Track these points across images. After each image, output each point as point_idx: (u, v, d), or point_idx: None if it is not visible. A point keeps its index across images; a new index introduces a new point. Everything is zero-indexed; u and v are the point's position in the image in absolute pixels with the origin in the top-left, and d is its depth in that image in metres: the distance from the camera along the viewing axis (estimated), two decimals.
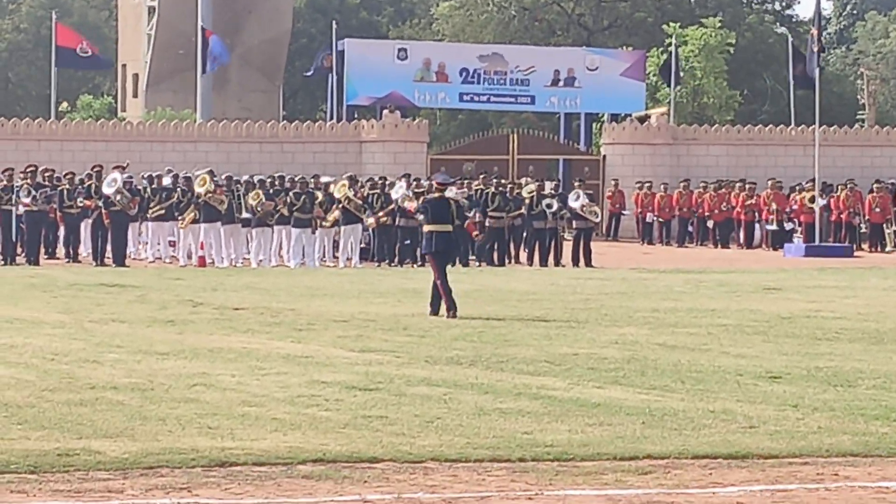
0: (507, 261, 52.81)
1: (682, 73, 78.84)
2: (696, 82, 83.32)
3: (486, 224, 51.74)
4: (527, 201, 53.13)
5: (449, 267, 33.96)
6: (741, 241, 64.68)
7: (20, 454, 15.27)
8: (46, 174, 52.93)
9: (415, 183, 54.34)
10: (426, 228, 33.98)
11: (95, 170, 53.20)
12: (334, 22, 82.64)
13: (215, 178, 51.73)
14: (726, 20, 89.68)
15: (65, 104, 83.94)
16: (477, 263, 51.81)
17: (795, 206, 62.91)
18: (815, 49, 61.23)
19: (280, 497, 13.58)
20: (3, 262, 49.86)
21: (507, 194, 53.57)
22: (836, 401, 19.15)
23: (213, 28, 76.56)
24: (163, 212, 52.39)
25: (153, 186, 53.41)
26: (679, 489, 14.03)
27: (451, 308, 31.36)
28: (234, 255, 51.19)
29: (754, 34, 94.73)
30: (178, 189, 52.71)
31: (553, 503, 13.40)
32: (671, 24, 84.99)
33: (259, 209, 50.73)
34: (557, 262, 52.23)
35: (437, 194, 34.71)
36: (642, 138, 71.75)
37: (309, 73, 77.65)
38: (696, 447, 15.97)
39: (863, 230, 63.05)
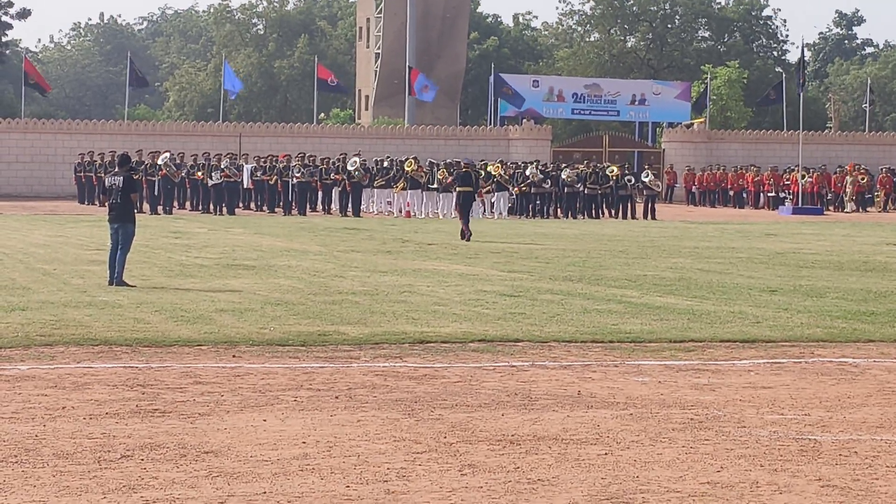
0: (601, 215, 52.60)
1: (713, 97, 78.27)
2: (722, 102, 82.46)
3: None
4: (614, 178, 52.91)
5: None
6: (751, 204, 64.23)
7: (295, 334, 15.38)
8: (310, 158, 53.26)
9: (543, 165, 54.26)
10: (457, 189, 36.16)
11: (341, 155, 53.59)
12: (493, 63, 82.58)
13: (417, 161, 52.06)
14: (742, 63, 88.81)
15: (322, 115, 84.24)
16: (582, 217, 51.69)
17: (788, 182, 62.48)
18: (801, 81, 60.94)
19: (458, 363, 13.58)
20: (283, 214, 50.29)
21: (601, 173, 53.31)
22: (812, 306, 18.94)
23: (415, 66, 76.64)
24: (383, 182, 52.59)
25: (377, 166, 53.64)
26: (711, 361, 13.91)
27: (468, 236, 33.91)
28: (428, 211, 51.30)
29: (760, 72, 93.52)
30: (394, 168, 52.89)
31: (631, 369, 13.32)
32: (707, 65, 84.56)
33: (444, 181, 50.75)
34: (633, 217, 51.96)
35: (464, 169, 36.63)
36: (688, 138, 71.38)
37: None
38: (722, 335, 15.83)
39: (828, 198, 62.53)
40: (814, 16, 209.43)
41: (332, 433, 9.94)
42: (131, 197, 21.21)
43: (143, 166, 49.71)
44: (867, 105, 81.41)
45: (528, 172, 52.19)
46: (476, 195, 39.84)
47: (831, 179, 62.91)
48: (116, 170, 21.83)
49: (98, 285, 20.44)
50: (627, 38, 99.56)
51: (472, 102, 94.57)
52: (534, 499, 8.09)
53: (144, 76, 73.93)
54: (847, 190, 61.98)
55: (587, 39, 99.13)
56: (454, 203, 38.33)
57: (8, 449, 9.28)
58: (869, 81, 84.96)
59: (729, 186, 65.34)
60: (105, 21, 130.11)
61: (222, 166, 50.71)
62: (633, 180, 53.28)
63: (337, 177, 51.24)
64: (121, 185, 21.07)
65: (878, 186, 63.78)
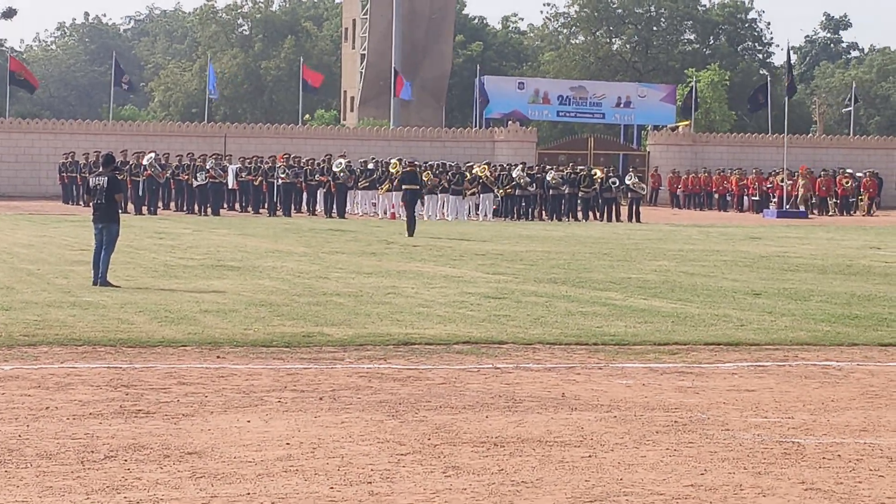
0: (585, 218, 52.58)
1: (698, 100, 78.45)
2: (707, 105, 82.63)
3: (578, 195, 52.12)
4: (599, 180, 52.97)
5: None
6: (735, 207, 64.35)
7: (279, 335, 15.37)
8: (295, 159, 53.20)
9: (528, 167, 54.23)
10: (403, 187, 37.37)
11: (326, 156, 53.52)
12: (478, 65, 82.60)
13: (402, 162, 52.00)
14: (726, 65, 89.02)
15: (307, 116, 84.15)
16: (567, 220, 51.66)
17: (771, 185, 62.55)
18: (788, 85, 61.18)
19: (442, 365, 13.57)
20: (268, 215, 50.20)
21: (588, 176, 53.33)
22: (796, 309, 18.96)
23: (401, 67, 76.58)
24: (368, 184, 52.55)
25: (362, 167, 53.59)
26: (694, 364, 13.92)
27: (411, 233, 36.00)
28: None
29: (744, 74, 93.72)
30: (379, 169, 52.86)
31: (615, 371, 13.33)
32: (691, 68, 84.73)
33: (429, 183, 50.69)
34: (618, 219, 51.98)
35: (409, 168, 38.08)
36: (673, 141, 71.54)
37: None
38: (706, 338, 15.85)
39: (813, 201, 62.57)
40: (801, 19, 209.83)
41: (316, 434, 9.93)
42: (116, 197, 21.17)
43: (127, 167, 49.61)
44: (844, 109, 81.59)
45: (514, 174, 52.19)
46: (423, 193, 40.86)
47: (816, 183, 62.94)
48: (101, 170, 21.79)
49: (82, 285, 20.40)
50: (613, 40, 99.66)
51: (457, 104, 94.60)
52: (517, 501, 8.09)
53: (130, 81, 73.67)
54: (800, 193, 61.78)
55: (572, 42, 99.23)
56: (401, 198, 39.82)
57: None
58: (854, 85, 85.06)
59: (714, 189, 65.47)
60: (90, 21, 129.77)
61: (207, 167, 50.64)
62: (617, 183, 53.36)
63: (322, 178, 51.19)
64: (105, 186, 21.02)
65: (861, 190, 63.90)
